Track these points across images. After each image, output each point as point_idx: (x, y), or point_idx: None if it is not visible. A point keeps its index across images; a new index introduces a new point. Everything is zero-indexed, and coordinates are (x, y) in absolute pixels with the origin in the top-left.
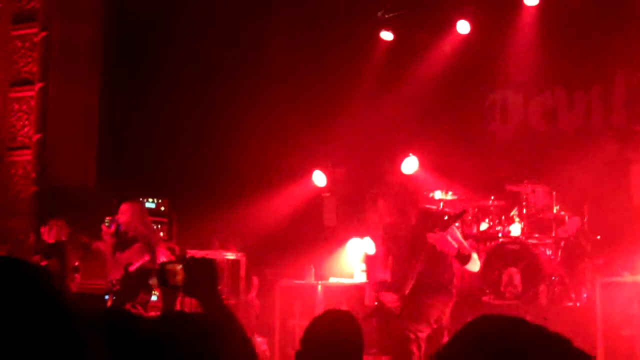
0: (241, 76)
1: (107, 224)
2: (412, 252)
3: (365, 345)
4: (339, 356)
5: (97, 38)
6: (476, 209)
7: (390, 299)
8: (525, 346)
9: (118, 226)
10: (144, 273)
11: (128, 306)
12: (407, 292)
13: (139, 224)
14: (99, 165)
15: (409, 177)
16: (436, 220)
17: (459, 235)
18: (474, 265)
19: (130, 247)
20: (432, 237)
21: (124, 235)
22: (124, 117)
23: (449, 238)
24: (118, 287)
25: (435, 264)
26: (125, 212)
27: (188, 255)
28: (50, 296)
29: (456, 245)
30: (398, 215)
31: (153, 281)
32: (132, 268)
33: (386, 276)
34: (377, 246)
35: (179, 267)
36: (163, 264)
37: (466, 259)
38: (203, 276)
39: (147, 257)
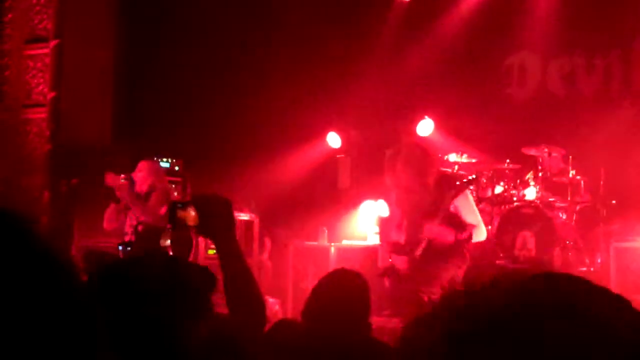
0: (256, 38)
1: (123, 180)
2: (427, 215)
3: (378, 307)
4: (346, 315)
5: None
6: (491, 172)
7: (401, 261)
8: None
9: (133, 183)
10: (155, 232)
11: None
12: (418, 254)
13: (157, 182)
14: (114, 124)
15: (425, 139)
16: (453, 183)
17: (472, 204)
18: (480, 236)
19: (149, 199)
20: (429, 230)
21: (137, 193)
22: (140, 76)
23: (443, 229)
24: (130, 238)
25: (447, 227)
26: (142, 170)
27: (200, 195)
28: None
29: (452, 232)
30: (416, 177)
31: (163, 241)
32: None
33: (400, 238)
34: (391, 208)
35: (190, 208)
36: (174, 203)
37: (466, 241)
38: (218, 215)
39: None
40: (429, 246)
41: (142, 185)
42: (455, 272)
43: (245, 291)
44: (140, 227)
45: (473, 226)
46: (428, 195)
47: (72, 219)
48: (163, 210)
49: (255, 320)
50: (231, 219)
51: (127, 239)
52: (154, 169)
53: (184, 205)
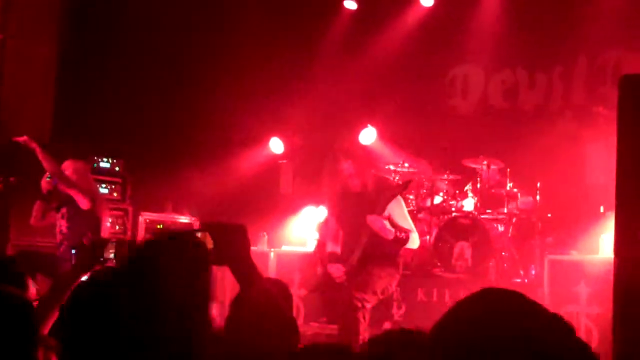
0: (201, 40)
1: (48, 178)
2: (362, 222)
3: (314, 314)
4: (267, 327)
5: None
6: (431, 183)
7: (337, 270)
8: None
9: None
10: (98, 244)
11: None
12: (355, 261)
13: (81, 182)
14: (55, 122)
15: (367, 147)
16: (388, 186)
17: (404, 210)
18: (413, 244)
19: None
20: (369, 219)
21: (61, 192)
22: (82, 74)
23: (386, 223)
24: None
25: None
26: (67, 169)
27: (213, 222)
28: None
29: (392, 230)
30: (357, 176)
31: (108, 253)
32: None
33: (336, 249)
34: (328, 217)
35: (205, 236)
36: (191, 232)
37: (403, 243)
38: (232, 242)
39: (87, 203)
40: (365, 254)
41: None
42: (388, 281)
43: (271, 315)
44: (85, 240)
45: (410, 230)
46: (365, 198)
47: (8, 217)
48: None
49: (287, 342)
50: (246, 245)
51: (58, 239)
52: (80, 170)
53: (198, 234)
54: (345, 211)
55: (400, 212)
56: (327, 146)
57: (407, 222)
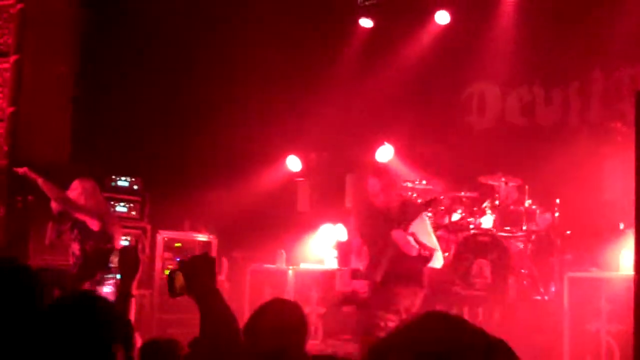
0: (218, 59)
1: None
2: (386, 239)
3: (333, 331)
4: (281, 345)
5: (75, 12)
6: (449, 200)
7: (361, 286)
8: (461, 348)
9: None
10: (103, 253)
11: (87, 285)
12: (378, 279)
13: (87, 202)
14: (73, 141)
15: (384, 165)
16: (414, 207)
17: (429, 229)
18: (436, 262)
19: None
20: (394, 234)
21: (69, 213)
22: (100, 93)
23: (411, 239)
24: (75, 260)
25: (406, 253)
26: (74, 189)
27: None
28: None
29: (417, 246)
30: (382, 193)
31: (112, 261)
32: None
33: (360, 265)
34: (351, 234)
35: (179, 274)
36: (171, 272)
37: (426, 260)
38: (200, 273)
39: (96, 224)
40: (388, 271)
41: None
42: (412, 300)
43: (225, 337)
44: (88, 248)
45: (434, 249)
46: (389, 216)
47: (27, 236)
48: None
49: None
50: (213, 275)
51: (72, 260)
52: (89, 189)
53: (176, 273)
54: (369, 228)
55: (424, 230)
56: (344, 164)
57: (431, 241)
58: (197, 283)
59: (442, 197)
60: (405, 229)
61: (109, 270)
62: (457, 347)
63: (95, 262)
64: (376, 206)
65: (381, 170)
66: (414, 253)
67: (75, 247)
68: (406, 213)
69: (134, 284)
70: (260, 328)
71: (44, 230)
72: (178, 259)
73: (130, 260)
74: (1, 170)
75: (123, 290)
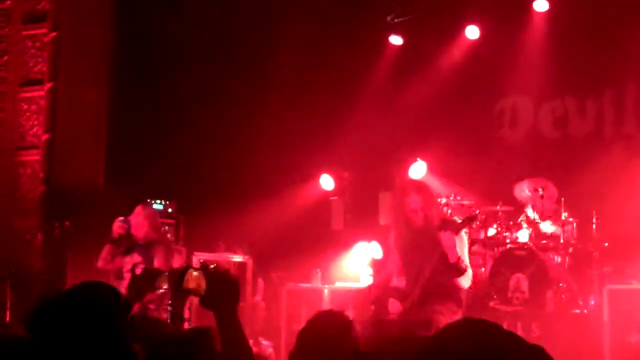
0: (251, 79)
1: (120, 222)
2: (424, 256)
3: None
4: (332, 356)
5: (107, 38)
6: (484, 215)
7: (395, 307)
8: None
9: (129, 227)
10: (151, 275)
11: (137, 306)
12: (416, 297)
13: (150, 227)
14: (108, 166)
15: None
16: (454, 224)
17: (466, 250)
18: (466, 280)
19: (154, 252)
20: (443, 235)
21: (132, 236)
22: (133, 118)
23: (458, 242)
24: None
25: (444, 271)
26: (138, 214)
27: (211, 265)
28: None
29: (458, 254)
30: (422, 211)
31: (159, 283)
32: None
33: (400, 283)
34: (388, 251)
35: (196, 273)
36: (187, 267)
37: (461, 272)
38: (225, 290)
39: (178, 260)
40: (426, 290)
41: (137, 229)
42: (450, 317)
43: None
44: (137, 270)
45: (466, 267)
46: (428, 233)
47: (66, 261)
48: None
49: None
50: (237, 296)
51: (125, 283)
52: (150, 214)
53: (196, 272)
54: (408, 245)
55: (461, 247)
56: (377, 181)
57: (465, 259)
58: (222, 299)
59: (478, 212)
60: (457, 233)
61: (156, 291)
62: (497, 351)
63: (143, 283)
64: (415, 223)
65: (422, 187)
66: (454, 259)
67: (127, 270)
68: (445, 231)
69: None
70: (310, 340)
71: (82, 255)
72: (201, 260)
73: (227, 286)
74: (38, 196)
75: (227, 323)
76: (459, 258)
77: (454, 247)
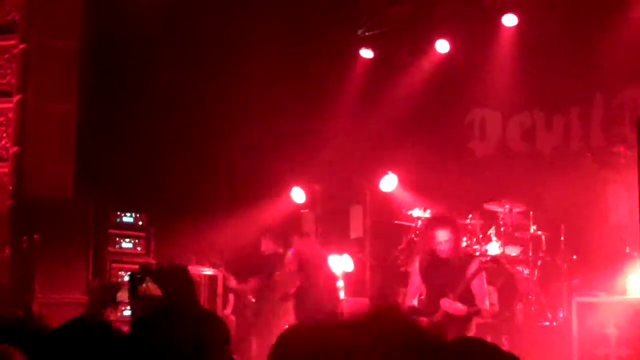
0: (220, 91)
1: (288, 255)
2: (445, 284)
3: None
4: None
5: (76, 51)
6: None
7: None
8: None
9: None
10: (111, 286)
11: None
12: (439, 318)
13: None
14: (77, 178)
15: (389, 194)
16: (475, 262)
17: (484, 284)
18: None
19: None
20: (443, 305)
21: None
22: (102, 130)
23: (458, 305)
24: None
25: (466, 300)
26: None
27: (155, 266)
28: None
29: (464, 308)
30: (449, 243)
31: (121, 295)
32: None
33: (414, 301)
34: (414, 273)
35: (146, 277)
36: (132, 274)
37: (474, 315)
38: (179, 284)
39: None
40: (447, 314)
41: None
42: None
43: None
44: (95, 282)
45: (482, 303)
46: (451, 265)
47: (33, 275)
48: None
49: None
50: (192, 284)
51: None
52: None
53: (141, 277)
54: (431, 272)
55: (480, 285)
56: (348, 195)
57: (484, 292)
58: (179, 293)
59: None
60: (454, 299)
61: (117, 306)
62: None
63: (101, 295)
64: (439, 255)
65: (451, 223)
66: (463, 314)
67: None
68: (466, 269)
69: None
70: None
71: (51, 268)
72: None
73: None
74: (6, 210)
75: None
76: (466, 309)
77: (457, 310)
